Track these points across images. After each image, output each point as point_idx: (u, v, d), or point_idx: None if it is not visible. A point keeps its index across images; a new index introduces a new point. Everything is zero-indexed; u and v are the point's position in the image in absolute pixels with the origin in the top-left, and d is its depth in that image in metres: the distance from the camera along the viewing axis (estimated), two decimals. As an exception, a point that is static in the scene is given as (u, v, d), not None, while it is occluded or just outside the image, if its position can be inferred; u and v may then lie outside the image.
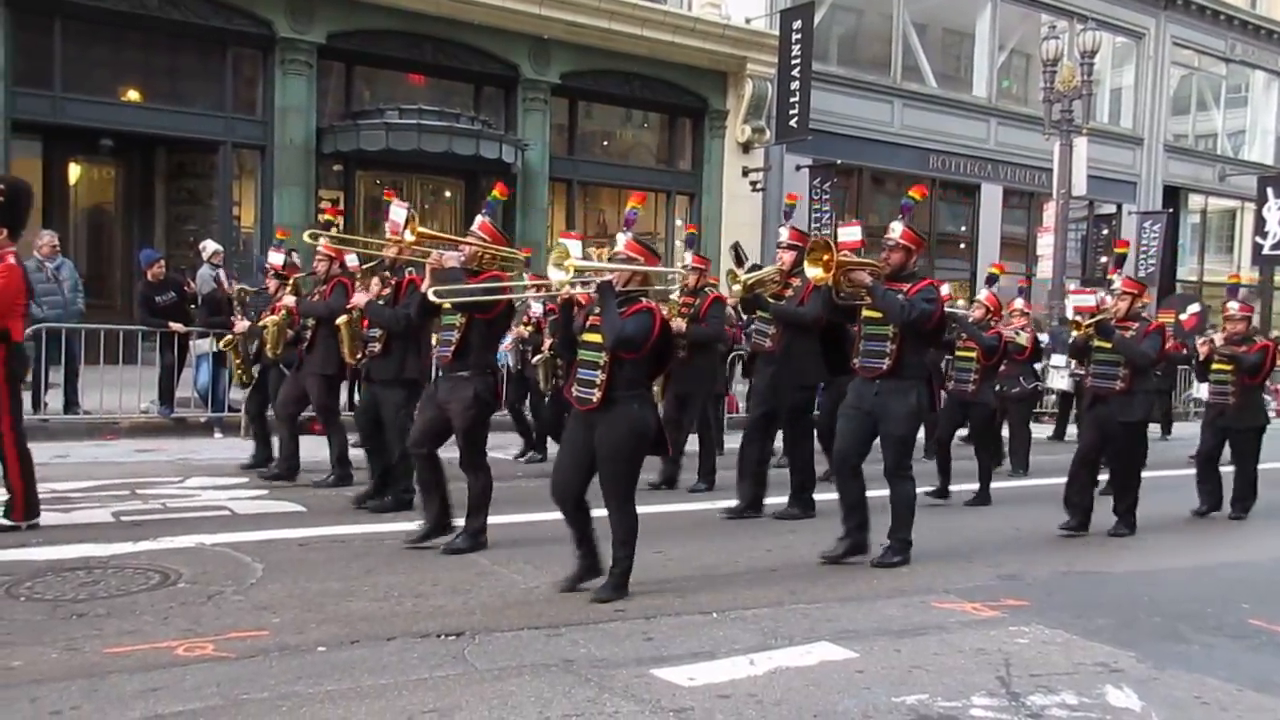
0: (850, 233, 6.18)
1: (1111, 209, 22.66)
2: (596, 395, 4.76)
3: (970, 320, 8.55)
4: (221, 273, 10.86)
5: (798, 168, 17.51)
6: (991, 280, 8.98)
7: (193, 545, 5.60)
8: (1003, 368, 10.11)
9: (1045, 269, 17.85)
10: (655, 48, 15.85)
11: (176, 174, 14.61)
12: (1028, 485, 9.28)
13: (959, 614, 4.93)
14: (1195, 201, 25.01)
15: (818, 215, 17.14)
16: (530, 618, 4.53)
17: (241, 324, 8.53)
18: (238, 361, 8.60)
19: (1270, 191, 21.89)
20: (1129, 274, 7.40)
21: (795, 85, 16.38)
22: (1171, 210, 22.81)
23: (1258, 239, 22.13)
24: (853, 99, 18.36)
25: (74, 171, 13.94)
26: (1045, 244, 17.92)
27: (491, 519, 5.88)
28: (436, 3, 14.07)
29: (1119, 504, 7.25)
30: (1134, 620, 4.95)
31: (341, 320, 7.10)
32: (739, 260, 8.13)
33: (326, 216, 9.29)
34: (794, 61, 16.34)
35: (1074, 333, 7.32)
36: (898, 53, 19.31)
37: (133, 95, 13.34)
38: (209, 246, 11.14)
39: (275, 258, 8.19)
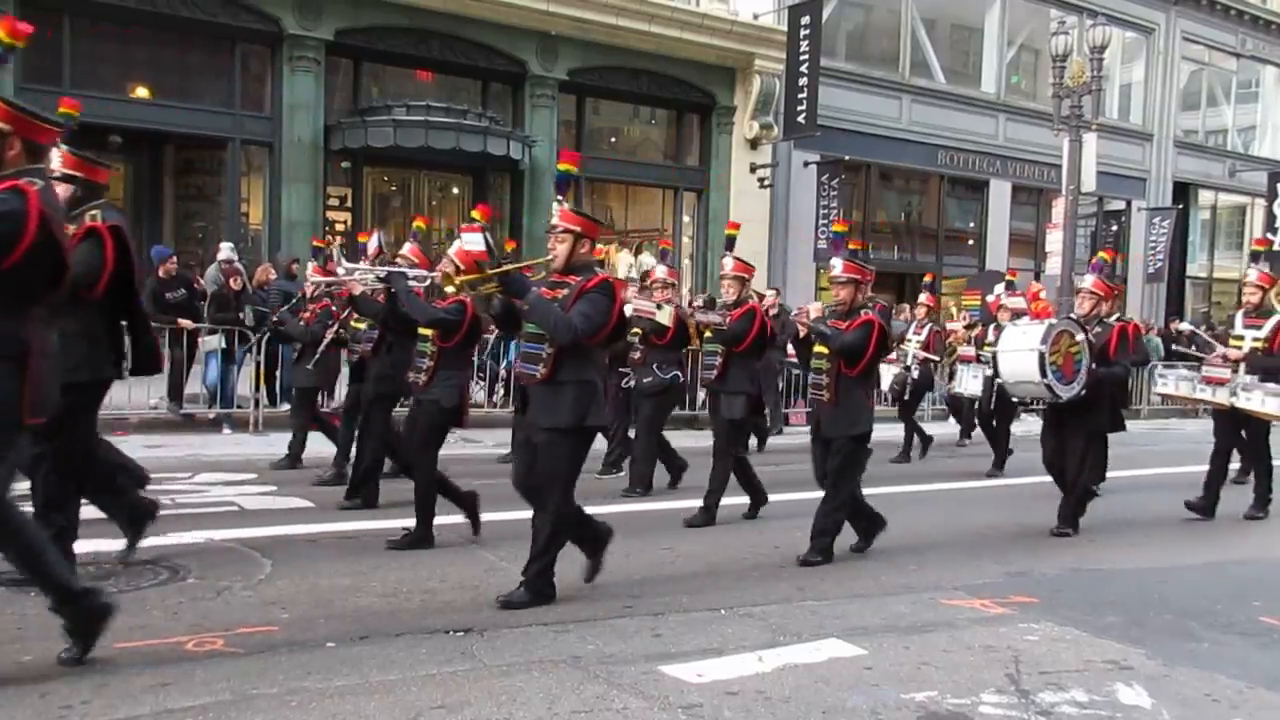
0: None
1: (1121, 205, 22.58)
2: None
3: (422, 288, 5.85)
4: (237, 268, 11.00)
5: (805, 164, 17.48)
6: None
7: (202, 541, 5.62)
8: (636, 354, 7.96)
9: (1054, 265, 17.77)
10: (663, 44, 15.83)
11: (185, 170, 14.66)
12: (1032, 483, 9.21)
13: (968, 611, 4.92)
14: (1205, 197, 24.90)
15: (825, 212, 17.10)
16: (538, 614, 4.53)
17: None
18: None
19: (1281, 188, 21.83)
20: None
21: (803, 81, 16.32)
22: (1181, 206, 22.74)
23: (1268, 235, 22.05)
24: (861, 95, 18.31)
25: (83, 168, 13.96)
26: (1054, 240, 17.82)
27: (501, 515, 5.88)
28: (444, -1, 14.07)
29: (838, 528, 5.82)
30: (1144, 618, 4.93)
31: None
32: None
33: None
34: (802, 57, 16.29)
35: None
36: (906, 48, 19.24)
37: (141, 92, 13.36)
38: (224, 249, 11.24)
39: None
